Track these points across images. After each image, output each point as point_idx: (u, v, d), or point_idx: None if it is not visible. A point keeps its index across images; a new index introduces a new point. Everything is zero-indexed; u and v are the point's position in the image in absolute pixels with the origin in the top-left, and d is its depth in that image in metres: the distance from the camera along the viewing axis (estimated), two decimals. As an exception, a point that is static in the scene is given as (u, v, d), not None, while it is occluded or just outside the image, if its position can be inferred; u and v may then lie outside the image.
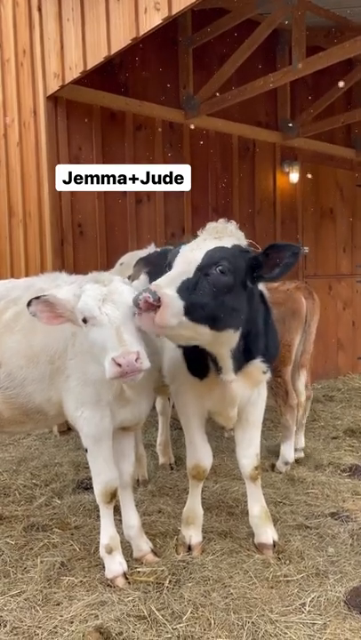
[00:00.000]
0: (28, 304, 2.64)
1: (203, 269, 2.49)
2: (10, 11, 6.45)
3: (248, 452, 3.32)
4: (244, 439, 3.32)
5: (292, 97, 8.05)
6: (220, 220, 2.77)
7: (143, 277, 2.82)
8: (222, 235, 2.67)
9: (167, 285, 2.41)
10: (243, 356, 2.87)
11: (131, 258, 4.26)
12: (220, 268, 2.49)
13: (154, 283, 2.43)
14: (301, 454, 4.79)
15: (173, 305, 2.36)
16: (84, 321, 2.56)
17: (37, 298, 2.64)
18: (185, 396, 3.20)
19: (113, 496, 3.03)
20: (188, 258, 2.55)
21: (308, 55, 5.80)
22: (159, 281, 2.45)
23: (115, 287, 2.59)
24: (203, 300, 2.44)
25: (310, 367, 4.95)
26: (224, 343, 2.73)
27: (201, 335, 2.55)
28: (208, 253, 2.54)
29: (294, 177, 8.02)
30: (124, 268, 4.23)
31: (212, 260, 2.51)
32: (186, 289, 2.42)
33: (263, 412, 3.38)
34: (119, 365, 2.36)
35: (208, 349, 2.80)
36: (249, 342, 2.85)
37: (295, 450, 4.71)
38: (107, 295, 2.54)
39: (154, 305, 2.33)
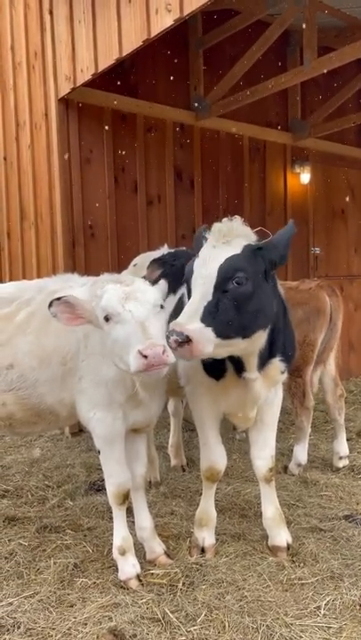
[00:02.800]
0: (50, 305, 2.64)
1: (219, 287, 2.51)
2: (21, 13, 6.48)
3: (263, 454, 3.30)
4: (259, 440, 3.30)
5: (303, 97, 8.03)
6: (224, 220, 2.73)
7: (163, 283, 2.83)
8: (230, 237, 2.64)
9: (190, 319, 2.45)
10: (267, 354, 2.86)
11: (144, 259, 4.26)
12: (236, 280, 2.51)
13: (175, 322, 2.46)
14: (346, 462, 4.64)
15: (203, 336, 2.42)
16: (107, 319, 2.55)
17: (58, 299, 2.64)
18: (200, 398, 3.19)
19: (126, 497, 3.03)
20: (203, 275, 2.56)
21: (319, 55, 5.78)
22: (181, 318, 2.49)
23: (137, 286, 2.62)
24: (228, 318, 2.48)
25: (339, 365, 4.89)
26: (256, 344, 2.74)
27: (237, 346, 2.61)
28: (221, 268, 2.53)
29: (305, 178, 7.99)
30: (138, 269, 4.23)
31: (226, 274, 2.52)
32: (209, 314, 2.47)
33: (279, 413, 3.35)
34: (145, 357, 2.35)
35: (238, 354, 2.79)
36: (273, 340, 2.85)
37: (340, 458, 4.64)
38: (129, 293, 2.55)
39: (185, 343, 2.39)
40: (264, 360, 2.87)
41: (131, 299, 2.53)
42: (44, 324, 3.02)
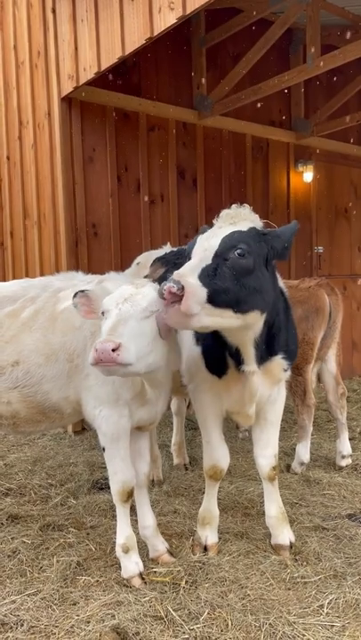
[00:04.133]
0: (75, 295, 2.69)
1: (221, 255, 2.49)
2: (24, 12, 6.49)
3: (266, 452, 3.30)
4: (262, 439, 3.30)
5: (306, 96, 8.02)
6: (233, 206, 2.76)
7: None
8: (237, 220, 2.68)
9: (189, 274, 2.41)
10: (265, 349, 2.85)
11: (147, 257, 4.26)
12: (238, 251, 2.49)
13: (176, 272, 2.42)
14: (349, 460, 4.63)
15: (197, 292, 2.37)
16: (102, 314, 2.57)
17: (82, 291, 2.70)
18: (203, 396, 3.19)
19: (130, 495, 3.03)
20: (205, 246, 2.55)
21: (322, 54, 5.77)
22: (181, 270, 2.45)
23: (142, 290, 2.59)
24: (224, 285, 2.44)
25: (340, 363, 4.88)
26: (249, 329, 2.70)
27: (227, 320, 2.52)
28: (224, 239, 2.54)
29: (308, 176, 7.99)
30: (141, 267, 4.23)
31: (228, 244, 2.52)
32: (207, 276, 2.42)
33: (282, 412, 3.35)
34: (96, 351, 2.32)
35: (232, 339, 2.78)
36: (271, 335, 2.84)
37: (343, 456, 4.63)
38: (131, 295, 2.54)
39: (178, 295, 2.33)
40: (263, 354, 2.85)
41: (129, 300, 2.52)
42: (50, 321, 3.04)
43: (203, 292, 2.38)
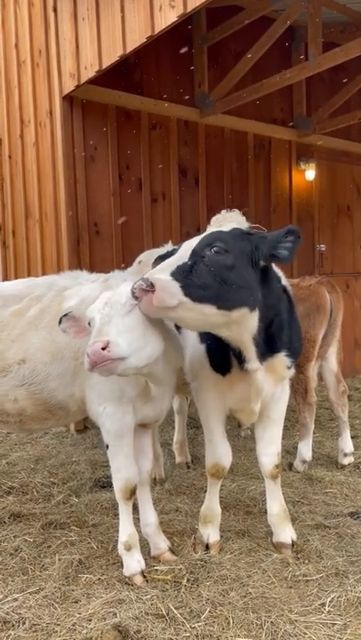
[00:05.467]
0: (60, 321, 2.71)
1: (198, 252, 2.53)
2: (25, 11, 6.49)
3: (269, 450, 3.30)
4: (265, 437, 3.30)
5: (308, 94, 7.99)
6: (223, 211, 2.83)
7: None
8: (223, 223, 2.74)
9: (160, 271, 2.46)
10: (266, 347, 2.84)
11: (149, 256, 4.26)
12: (215, 248, 2.52)
13: (148, 271, 2.48)
14: (351, 459, 4.63)
15: (168, 286, 2.40)
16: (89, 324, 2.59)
17: (65, 315, 2.70)
18: (206, 394, 3.19)
19: (133, 493, 3.04)
20: (186, 246, 2.60)
21: (324, 51, 5.76)
22: (154, 269, 2.51)
23: (118, 289, 2.59)
24: (201, 280, 2.45)
25: (341, 361, 4.87)
26: (242, 327, 2.69)
27: (212, 317, 2.53)
28: (203, 238, 2.59)
29: (310, 174, 7.96)
30: (143, 266, 4.23)
31: (205, 242, 2.56)
32: (181, 272, 2.46)
33: (285, 410, 3.35)
34: (88, 355, 2.33)
35: (229, 339, 2.79)
36: (272, 333, 2.83)
37: (345, 455, 4.63)
38: (109, 298, 2.54)
39: (148, 291, 2.37)
40: (263, 351, 2.84)
41: (107, 303, 2.52)
42: (56, 320, 3.05)
43: (175, 286, 2.41)
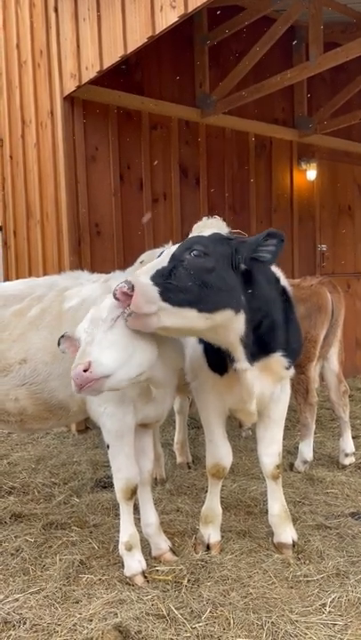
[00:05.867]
0: (58, 343, 2.70)
1: (177, 257, 2.54)
2: (26, 12, 6.49)
3: (270, 450, 3.30)
4: (266, 437, 3.30)
5: (309, 94, 7.99)
6: (204, 218, 2.85)
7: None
8: (204, 230, 2.76)
9: (141, 274, 2.48)
10: (258, 347, 2.83)
11: (150, 256, 4.25)
12: (193, 252, 2.52)
13: (130, 275, 2.51)
14: (352, 459, 4.62)
15: (146, 290, 2.40)
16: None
17: (62, 336, 2.68)
18: (206, 394, 3.19)
19: (134, 493, 3.04)
20: (168, 252, 2.62)
21: (325, 51, 5.75)
22: (135, 273, 2.53)
23: (100, 305, 2.57)
24: (180, 284, 2.46)
25: (342, 361, 4.87)
26: (229, 330, 2.67)
27: (192, 321, 2.52)
28: (182, 243, 2.61)
29: (311, 174, 7.96)
30: (144, 265, 4.23)
31: (185, 246, 2.57)
32: (160, 276, 2.46)
33: (286, 410, 3.35)
34: (73, 380, 2.35)
35: (217, 342, 2.79)
36: (264, 333, 2.83)
37: (346, 455, 4.62)
38: (93, 315, 2.53)
39: (130, 295, 2.36)
40: (254, 351, 2.83)
41: (92, 320, 2.50)
42: (57, 320, 3.08)
43: (153, 290, 2.42)
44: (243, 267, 2.61)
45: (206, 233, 2.71)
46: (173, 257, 2.54)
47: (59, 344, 2.70)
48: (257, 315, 2.77)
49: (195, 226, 2.84)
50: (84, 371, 2.31)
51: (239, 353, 2.79)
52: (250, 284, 2.70)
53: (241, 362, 2.81)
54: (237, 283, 2.63)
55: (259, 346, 2.84)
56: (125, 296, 2.38)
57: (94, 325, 2.49)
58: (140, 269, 2.56)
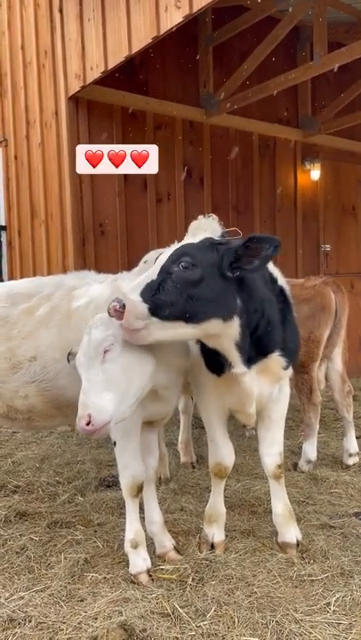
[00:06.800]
0: (68, 359, 2.76)
1: (166, 269, 2.55)
2: (31, 12, 6.51)
3: (271, 451, 3.30)
4: (267, 437, 3.30)
5: (313, 94, 7.99)
6: (200, 217, 2.82)
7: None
8: (198, 231, 2.74)
9: (132, 291, 2.52)
10: (255, 349, 2.83)
11: (155, 256, 4.26)
12: (182, 264, 2.53)
13: (123, 291, 2.56)
14: (356, 459, 4.63)
15: (135, 308, 2.45)
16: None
17: (70, 354, 2.75)
18: (206, 394, 3.20)
19: (140, 490, 3.05)
20: (159, 261, 2.63)
21: (329, 51, 5.75)
22: (127, 288, 2.58)
23: (90, 339, 2.58)
24: (167, 299, 2.49)
25: (346, 362, 4.86)
26: (220, 336, 2.69)
27: (183, 331, 2.57)
28: (171, 253, 2.61)
29: (315, 174, 7.96)
30: (149, 265, 4.23)
31: (173, 258, 2.57)
32: (149, 291, 2.50)
33: (286, 410, 3.35)
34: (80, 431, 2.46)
35: (211, 346, 2.80)
36: (261, 335, 2.82)
37: (350, 455, 4.62)
38: (86, 344, 2.56)
39: (122, 312, 2.43)
40: (252, 354, 2.83)
41: (87, 356, 2.53)
42: (66, 318, 3.11)
43: (142, 307, 2.47)
44: (229, 275, 2.60)
45: (198, 237, 2.68)
46: (162, 270, 2.56)
47: (68, 360, 2.77)
48: (254, 317, 2.76)
49: (190, 225, 2.81)
50: (87, 424, 2.41)
51: (235, 357, 2.79)
52: (245, 288, 2.70)
53: (237, 366, 2.82)
54: (227, 290, 2.62)
55: (256, 348, 2.84)
56: (118, 313, 2.45)
57: (88, 366, 2.53)
58: (133, 283, 2.59)
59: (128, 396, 2.56)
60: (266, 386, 3.06)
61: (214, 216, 2.80)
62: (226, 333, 2.69)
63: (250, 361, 2.84)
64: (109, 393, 2.49)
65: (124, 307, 2.43)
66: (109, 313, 2.49)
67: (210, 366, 3.04)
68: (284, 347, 2.98)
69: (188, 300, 2.51)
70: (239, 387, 2.95)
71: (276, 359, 2.97)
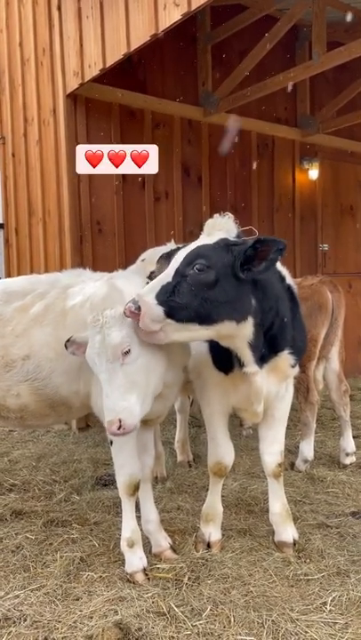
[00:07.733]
0: (66, 346, 2.77)
1: (181, 271, 2.57)
2: (30, 10, 6.49)
3: (272, 449, 3.29)
4: (269, 435, 3.29)
5: (312, 93, 7.98)
6: (215, 215, 2.82)
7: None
8: (213, 230, 2.74)
9: (147, 293, 2.54)
10: (267, 349, 2.84)
11: (152, 254, 4.26)
12: (197, 267, 2.55)
13: (138, 292, 2.56)
14: (353, 458, 4.62)
15: (151, 311, 2.48)
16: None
17: (68, 340, 2.76)
18: (210, 392, 3.19)
19: (136, 488, 3.05)
20: (175, 260, 2.64)
21: (328, 50, 5.74)
22: (142, 289, 2.59)
23: (106, 332, 2.57)
24: (183, 301, 2.52)
25: (343, 361, 4.86)
26: (234, 336, 2.71)
27: (198, 332, 2.62)
28: (186, 255, 2.62)
29: (314, 174, 7.96)
30: (146, 264, 4.23)
31: (188, 260, 2.59)
32: (164, 293, 2.52)
33: (289, 409, 3.34)
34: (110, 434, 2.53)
35: (225, 345, 2.80)
36: (274, 334, 2.83)
37: (347, 454, 4.62)
38: (100, 345, 2.56)
39: (138, 314, 2.47)
40: (262, 354, 2.84)
41: (101, 353, 2.55)
42: (61, 317, 3.09)
43: (158, 310, 2.50)
44: (242, 276, 2.60)
45: (214, 237, 2.69)
46: (177, 272, 2.57)
47: (66, 347, 2.76)
48: (268, 316, 2.78)
49: (205, 224, 2.81)
50: (118, 428, 2.47)
51: (248, 357, 2.80)
52: (260, 286, 2.71)
53: (250, 366, 2.83)
54: (242, 291, 2.63)
55: (269, 346, 2.85)
56: (134, 314, 2.49)
57: (107, 370, 2.55)
58: (148, 285, 2.61)
59: (148, 395, 2.63)
60: (274, 384, 3.07)
61: (230, 215, 2.79)
62: (240, 334, 2.71)
63: (262, 359, 2.86)
64: (132, 395, 2.54)
65: (139, 308, 2.47)
66: (125, 314, 2.52)
67: (217, 364, 3.04)
68: (293, 345, 2.99)
69: (202, 303, 2.54)
70: (249, 385, 2.95)
71: (285, 357, 2.99)
